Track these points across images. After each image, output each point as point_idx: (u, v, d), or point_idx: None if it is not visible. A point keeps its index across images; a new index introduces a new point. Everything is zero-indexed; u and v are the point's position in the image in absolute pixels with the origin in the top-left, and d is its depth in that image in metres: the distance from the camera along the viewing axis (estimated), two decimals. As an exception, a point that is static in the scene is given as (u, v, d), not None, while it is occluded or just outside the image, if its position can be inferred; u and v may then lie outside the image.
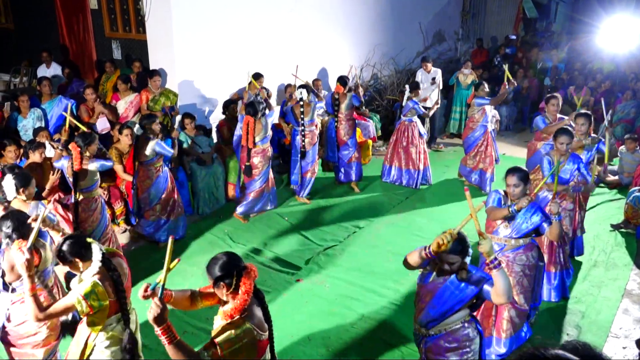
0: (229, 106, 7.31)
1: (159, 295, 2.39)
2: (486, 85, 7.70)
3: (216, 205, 6.98)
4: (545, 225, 3.88)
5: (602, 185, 7.82)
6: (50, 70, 8.50)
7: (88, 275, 2.98)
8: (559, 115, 6.31)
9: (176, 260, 2.46)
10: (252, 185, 6.53)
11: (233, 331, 2.43)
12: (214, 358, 2.39)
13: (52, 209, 5.18)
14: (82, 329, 3.10)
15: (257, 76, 7.52)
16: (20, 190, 4.02)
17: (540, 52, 12.63)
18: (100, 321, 2.99)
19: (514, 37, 13.85)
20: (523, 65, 12.02)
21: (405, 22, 11.06)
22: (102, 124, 6.90)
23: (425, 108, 8.32)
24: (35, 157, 5.51)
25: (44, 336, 3.45)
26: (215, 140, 7.50)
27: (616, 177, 7.96)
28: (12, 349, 3.43)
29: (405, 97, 7.59)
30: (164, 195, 5.86)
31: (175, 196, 6.01)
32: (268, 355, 2.71)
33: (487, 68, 11.96)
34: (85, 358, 3.07)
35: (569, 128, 5.18)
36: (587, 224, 6.60)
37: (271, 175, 6.73)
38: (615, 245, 6.17)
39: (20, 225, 3.29)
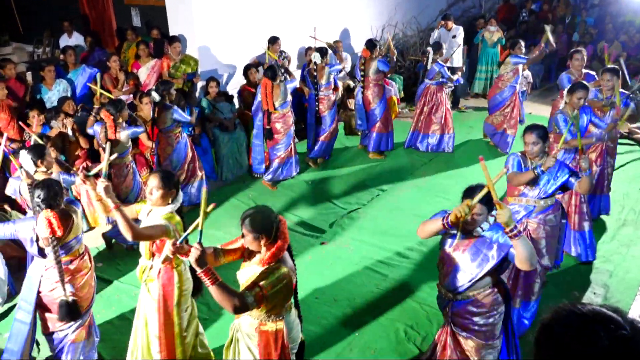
0: (248, 71, 7.26)
1: (198, 239, 2.52)
2: (522, 44, 7.39)
3: (240, 171, 7.02)
4: (573, 180, 3.74)
5: (632, 142, 7.63)
6: (72, 39, 8.54)
7: (164, 211, 3.24)
8: (584, 71, 6.10)
9: (212, 205, 2.55)
10: (276, 151, 6.55)
11: (274, 274, 2.60)
12: (257, 298, 2.54)
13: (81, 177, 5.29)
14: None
15: (274, 40, 7.40)
16: (38, 162, 4.05)
17: (569, 6, 12.15)
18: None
19: (541, -10, 13.32)
20: (550, 20, 11.59)
21: (427, -21, 10.73)
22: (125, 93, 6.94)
23: (451, 71, 7.95)
24: (58, 124, 5.59)
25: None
26: (237, 106, 7.49)
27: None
28: (47, 314, 3.51)
29: (429, 60, 7.37)
30: (185, 162, 5.92)
31: (195, 162, 6.06)
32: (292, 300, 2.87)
33: (513, 24, 11.58)
34: None
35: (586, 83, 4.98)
36: (616, 182, 6.42)
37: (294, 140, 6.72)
38: (645, 204, 6.05)
39: (51, 194, 3.30)
